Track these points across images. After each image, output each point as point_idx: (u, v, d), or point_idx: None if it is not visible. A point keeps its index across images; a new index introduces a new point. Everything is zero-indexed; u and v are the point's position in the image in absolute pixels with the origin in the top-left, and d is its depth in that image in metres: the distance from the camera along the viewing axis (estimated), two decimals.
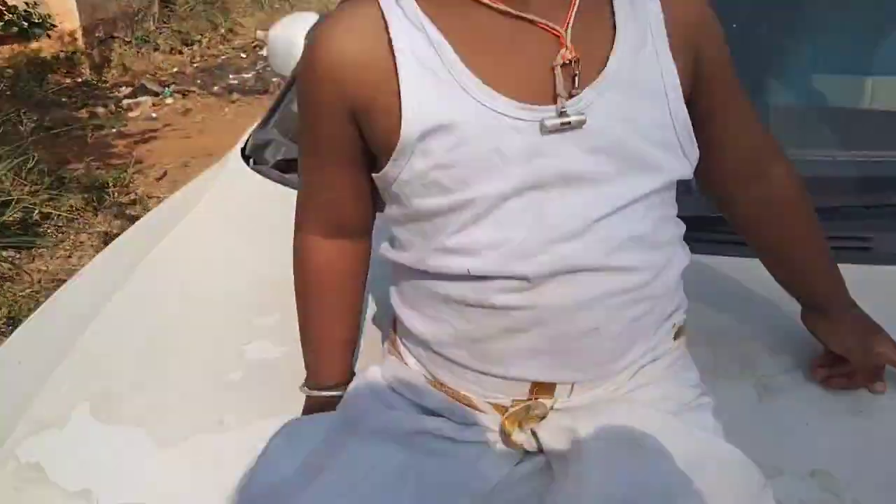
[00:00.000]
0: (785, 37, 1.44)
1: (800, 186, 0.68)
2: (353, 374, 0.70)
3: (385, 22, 0.55)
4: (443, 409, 0.60)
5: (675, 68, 0.56)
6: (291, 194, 1.06)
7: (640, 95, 0.55)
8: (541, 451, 0.58)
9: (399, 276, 0.64)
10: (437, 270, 0.57)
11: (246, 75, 6.36)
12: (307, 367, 0.69)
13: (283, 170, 1.15)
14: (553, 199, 0.54)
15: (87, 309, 0.91)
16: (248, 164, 1.20)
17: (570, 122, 0.53)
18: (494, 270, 0.55)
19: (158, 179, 4.09)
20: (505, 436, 0.59)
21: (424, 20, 0.55)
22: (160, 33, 7.06)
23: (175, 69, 6.57)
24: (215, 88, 6.02)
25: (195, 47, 7.07)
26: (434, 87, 0.54)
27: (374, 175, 0.61)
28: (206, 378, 0.78)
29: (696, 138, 0.59)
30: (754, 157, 0.67)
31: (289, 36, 1.64)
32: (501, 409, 0.59)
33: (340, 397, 0.66)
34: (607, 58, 0.55)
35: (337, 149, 0.61)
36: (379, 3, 0.56)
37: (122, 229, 3.41)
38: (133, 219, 3.54)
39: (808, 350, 0.70)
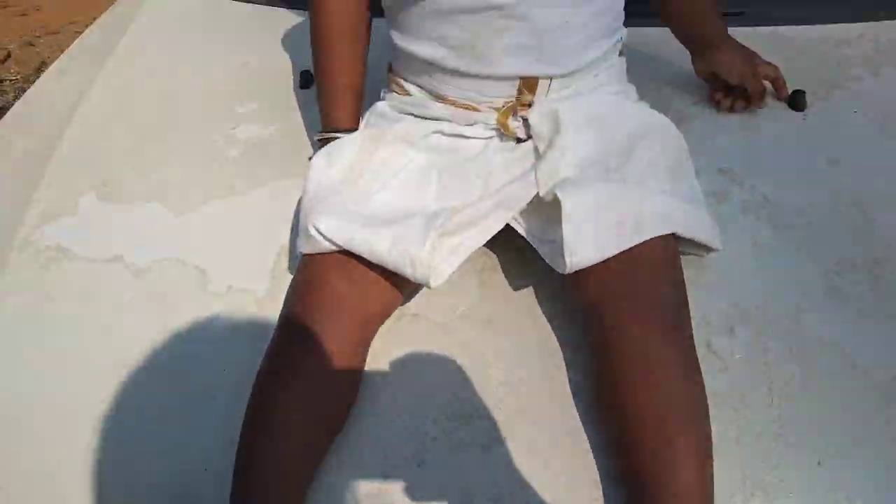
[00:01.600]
0: None
1: None
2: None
3: None
4: (448, 115, 0.72)
5: None
6: (231, 4, 1.11)
7: None
8: (529, 137, 0.71)
9: (401, 13, 0.71)
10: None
11: None
12: (321, 112, 0.76)
13: None
14: None
15: (64, 103, 0.93)
16: None
17: None
18: None
19: (2, 61, 3.73)
20: (501, 127, 0.71)
21: None
22: None
23: None
24: None
25: None
26: None
27: None
28: (206, 157, 0.85)
29: None
30: None
31: None
32: (496, 109, 0.71)
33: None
34: None
35: None
36: None
37: None
38: None
39: (706, 89, 0.87)
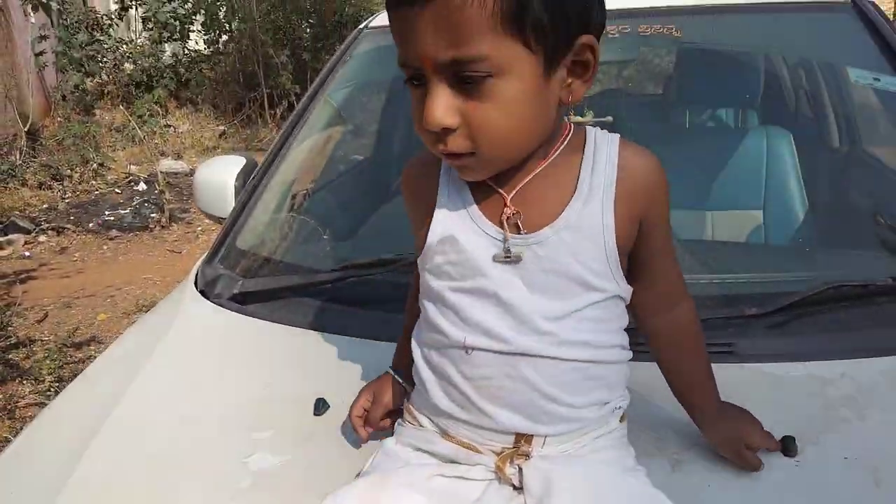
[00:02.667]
0: None
1: (698, 320, 0.87)
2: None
3: (439, 168, 0.81)
4: (452, 454, 0.79)
5: (613, 223, 0.76)
6: (255, 323, 1.21)
7: (584, 237, 0.76)
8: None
9: (417, 352, 0.84)
10: (447, 341, 0.78)
11: (122, 211, 6.29)
12: (396, 353, 0.96)
13: (241, 302, 1.29)
14: (519, 302, 0.75)
15: (76, 438, 0.97)
16: (204, 297, 1.32)
17: (510, 258, 0.75)
18: (476, 344, 0.76)
19: (39, 322, 3.95)
20: (499, 471, 0.77)
21: (455, 175, 0.79)
22: (27, 167, 6.87)
23: (45, 205, 6.40)
24: (91, 225, 5.91)
25: (66, 182, 6.92)
26: (450, 214, 0.79)
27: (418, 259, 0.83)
28: (218, 489, 0.87)
29: (632, 272, 0.81)
30: (671, 293, 0.85)
31: (217, 177, 1.75)
32: (496, 452, 0.78)
33: (400, 384, 0.93)
34: (566, 205, 0.76)
35: (413, 222, 0.87)
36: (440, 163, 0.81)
37: (4, 377, 3.25)
38: (15, 365, 3.39)
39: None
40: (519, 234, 0.76)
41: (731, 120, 2.62)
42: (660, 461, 0.86)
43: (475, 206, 0.78)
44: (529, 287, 0.76)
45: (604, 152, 0.77)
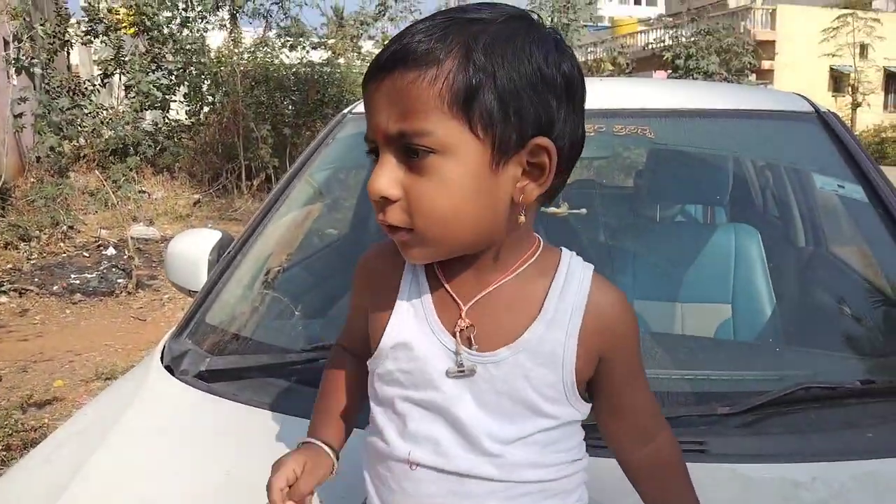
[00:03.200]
0: (609, 268, 1.80)
1: (679, 450, 0.83)
2: (337, 447, 0.85)
3: (404, 268, 0.78)
4: None
5: (575, 354, 0.73)
6: (220, 402, 1.18)
7: (542, 363, 0.73)
8: None
9: (367, 461, 0.80)
10: (392, 454, 0.75)
11: (89, 275, 6.19)
12: (311, 425, 0.87)
13: (207, 380, 1.25)
14: (470, 417, 0.73)
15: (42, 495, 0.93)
16: (170, 373, 1.29)
17: (463, 372, 0.73)
18: (423, 460, 0.74)
19: None
20: None
21: (419, 273, 0.77)
22: None
23: (10, 265, 6.28)
24: (55, 288, 5.79)
25: (33, 243, 6.82)
26: (409, 317, 0.76)
27: (368, 362, 0.80)
28: None
29: (602, 404, 0.79)
30: (646, 425, 0.81)
31: (191, 251, 1.73)
32: None
33: (331, 456, 0.83)
34: (528, 326, 0.73)
35: (356, 308, 0.87)
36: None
37: None
38: None
39: None
40: (470, 349, 0.73)
41: (700, 216, 2.70)
42: None
43: (434, 312, 0.75)
44: (480, 406, 0.74)
45: (576, 279, 0.76)
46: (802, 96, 1.94)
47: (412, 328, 0.75)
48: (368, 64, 0.72)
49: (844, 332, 1.51)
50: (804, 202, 2.13)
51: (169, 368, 1.31)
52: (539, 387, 0.73)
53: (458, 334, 0.73)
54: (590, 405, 0.79)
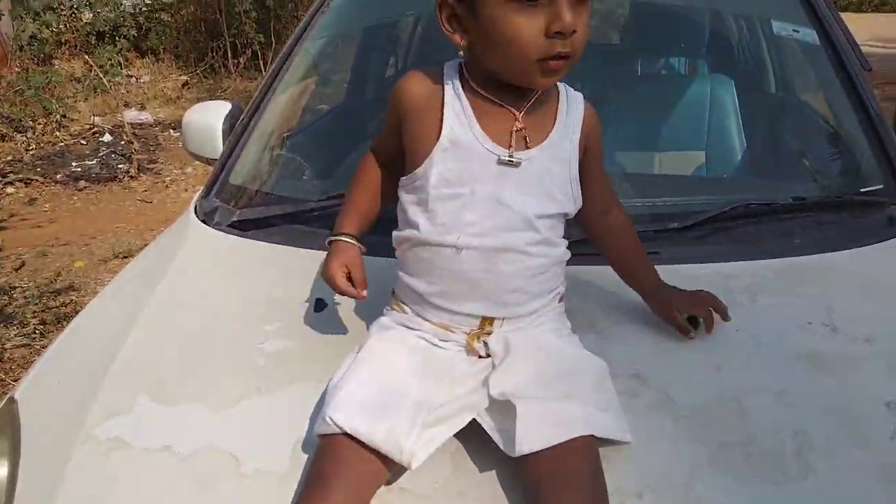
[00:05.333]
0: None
1: (629, 219, 1.13)
2: (359, 239, 1.06)
3: (443, 85, 0.98)
4: (431, 332, 1.00)
5: (577, 150, 1.01)
6: (254, 244, 1.40)
7: (558, 159, 0.99)
8: (488, 355, 0.98)
9: (405, 252, 1.02)
10: (438, 241, 0.96)
11: (89, 162, 6.29)
12: (336, 222, 1.08)
13: (240, 228, 1.47)
14: (506, 204, 0.96)
15: (120, 319, 1.18)
16: (206, 225, 1.50)
17: (512, 161, 0.95)
18: (469, 244, 0.95)
19: (17, 269, 4.04)
20: (468, 346, 0.98)
21: (462, 94, 0.97)
22: None
23: (10, 157, 6.37)
24: (59, 176, 5.92)
25: (29, 134, 6.87)
26: (458, 124, 0.96)
27: (405, 178, 1.00)
28: (238, 366, 1.07)
29: (582, 187, 1.03)
30: (606, 199, 1.10)
31: (205, 121, 1.89)
32: (465, 332, 0.99)
33: (355, 245, 1.05)
34: (549, 133, 0.98)
35: (391, 128, 1.04)
36: (443, 76, 0.99)
37: None
38: None
39: (625, 306, 1.14)
40: (524, 145, 0.96)
41: (683, 69, 2.82)
42: (590, 335, 1.09)
43: (476, 124, 0.96)
44: (518, 191, 0.96)
45: (574, 102, 1.02)
46: None
47: (460, 133, 0.96)
48: None
49: (792, 165, 1.72)
50: (775, 48, 2.27)
51: (204, 222, 1.52)
52: (555, 178, 0.99)
53: (513, 134, 0.96)
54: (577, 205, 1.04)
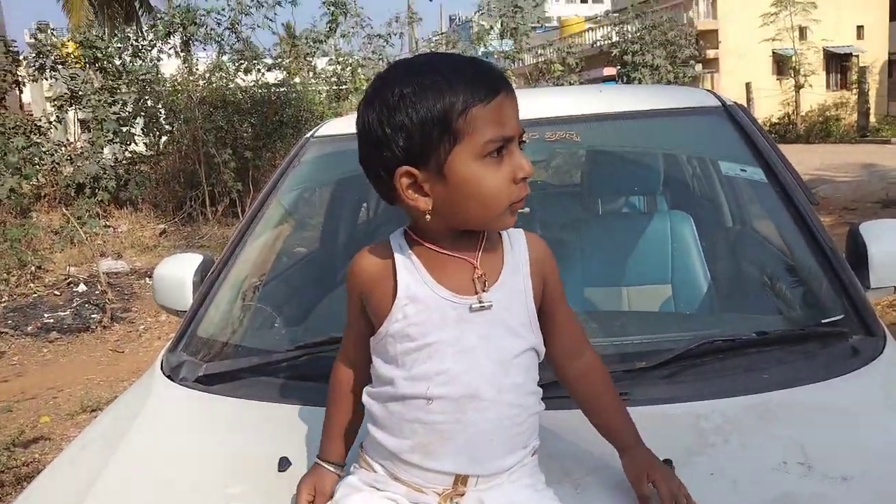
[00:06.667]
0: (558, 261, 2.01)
1: (603, 364, 1.10)
2: (342, 461, 1.08)
3: (392, 253, 1.02)
4: (402, 493, 0.97)
5: (531, 284, 1.02)
6: (220, 400, 1.37)
7: (514, 295, 1.00)
8: None
9: (377, 407, 1.00)
10: (409, 394, 0.96)
11: (62, 313, 6.25)
12: (321, 445, 1.10)
13: (206, 383, 1.44)
14: (471, 349, 0.96)
15: (75, 494, 1.11)
16: (172, 381, 1.47)
17: (484, 306, 0.97)
18: (437, 393, 0.95)
19: None
20: None
21: (411, 254, 1.00)
22: None
23: None
24: (29, 328, 5.85)
25: (3, 286, 6.84)
26: (413, 281, 0.98)
27: (371, 338, 1.01)
28: None
29: (545, 324, 1.05)
30: (575, 341, 1.09)
31: (176, 274, 1.91)
32: (437, 493, 0.96)
33: (334, 473, 1.07)
34: (500, 274, 1.01)
35: (356, 313, 1.06)
36: (389, 245, 1.03)
37: None
38: None
39: (599, 452, 1.10)
40: (485, 290, 0.98)
41: (643, 207, 2.94)
42: (565, 485, 1.06)
43: (429, 276, 0.99)
44: (481, 334, 0.98)
45: (515, 238, 1.06)
46: (712, 92, 2.19)
47: (417, 289, 0.99)
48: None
49: (754, 297, 1.75)
50: (727, 186, 2.38)
51: (169, 378, 1.49)
52: (516, 315, 1.00)
53: (475, 281, 0.99)
54: (543, 346, 1.05)
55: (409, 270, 1.00)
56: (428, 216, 0.97)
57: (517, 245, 1.05)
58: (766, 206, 1.93)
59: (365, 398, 1.03)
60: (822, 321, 1.47)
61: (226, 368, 1.46)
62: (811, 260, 1.61)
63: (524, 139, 0.98)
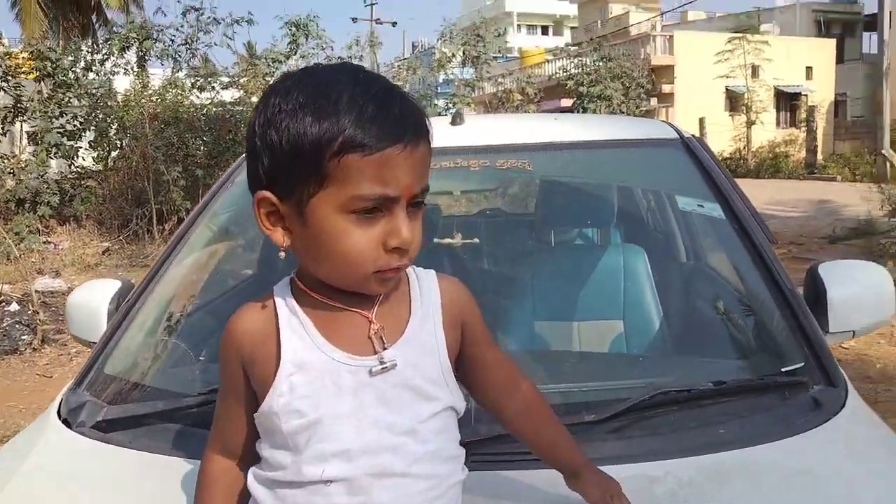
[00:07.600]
0: (507, 292, 1.90)
1: (540, 393, 1.00)
2: None
3: (276, 309, 0.86)
4: None
5: (444, 336, 0.88)
6: (115, 452, 1.20)
7: (424, 350, 0.87)
8: None
9: (262, 494, 0.85)
10: (305, 479, 0.81)
11: None
12: None
13: (104, 430, 1.27)
14: (373, 421, 0.82)
15: None
16: (67, 426, 1.30)
17: (386, 367, 0.83)
18: (336, 474, 0.80)
19: None
20: None
21: (297, 310, 0.85)
22: None
23: None
24: None
25: None
26: (301, 346, 0.83)
27: (255, 414, 0.85)
28: None
29: (472, 371, 0.93)
30: (510, 376, 0.98)
31: (90, 302, 1.73)
32: None
33: None
34: (405, 327, 0.87)
35: (233, 387, 0.89)
36: (273, 299, 0.87)
37: None
38: None
39: None
40: (386, 348, 0.85)
41: (597, 239, 2.86)
42: None
43: (319, 336, 0.85)
44: (382, 403, 0.83)
45: (426, 282, 0.92)
46: (669, 124, 2.11)
47: (305, 354, 0.84)
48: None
49: (709, 338, 1.66)
50: (682, 221, 2.31)
51: (66, 422, 1.32)
52: (425, 373, 0.86)
53: (372, 338, 0.85)
54: (463, 401, 0.91)
55: (296, 331, 0.85)
56: (282, 253, 0.85)
57: (427, 290, 0.91)
58: (724, 243, 1.85)
59: (251, 482, 0.88)
60: (782, 369, 1.38)
61: (128, 413, 1.29)
62: (770, 302, 1.52)
63: (421, 200, 0.83)
